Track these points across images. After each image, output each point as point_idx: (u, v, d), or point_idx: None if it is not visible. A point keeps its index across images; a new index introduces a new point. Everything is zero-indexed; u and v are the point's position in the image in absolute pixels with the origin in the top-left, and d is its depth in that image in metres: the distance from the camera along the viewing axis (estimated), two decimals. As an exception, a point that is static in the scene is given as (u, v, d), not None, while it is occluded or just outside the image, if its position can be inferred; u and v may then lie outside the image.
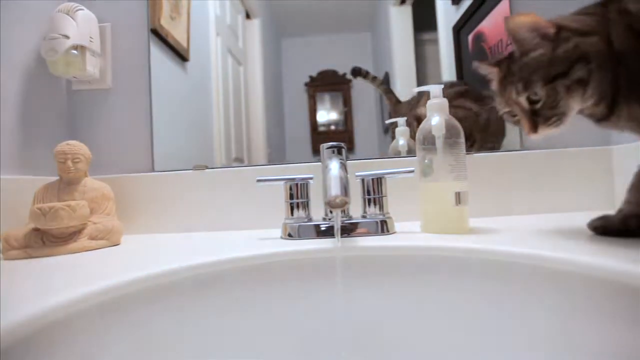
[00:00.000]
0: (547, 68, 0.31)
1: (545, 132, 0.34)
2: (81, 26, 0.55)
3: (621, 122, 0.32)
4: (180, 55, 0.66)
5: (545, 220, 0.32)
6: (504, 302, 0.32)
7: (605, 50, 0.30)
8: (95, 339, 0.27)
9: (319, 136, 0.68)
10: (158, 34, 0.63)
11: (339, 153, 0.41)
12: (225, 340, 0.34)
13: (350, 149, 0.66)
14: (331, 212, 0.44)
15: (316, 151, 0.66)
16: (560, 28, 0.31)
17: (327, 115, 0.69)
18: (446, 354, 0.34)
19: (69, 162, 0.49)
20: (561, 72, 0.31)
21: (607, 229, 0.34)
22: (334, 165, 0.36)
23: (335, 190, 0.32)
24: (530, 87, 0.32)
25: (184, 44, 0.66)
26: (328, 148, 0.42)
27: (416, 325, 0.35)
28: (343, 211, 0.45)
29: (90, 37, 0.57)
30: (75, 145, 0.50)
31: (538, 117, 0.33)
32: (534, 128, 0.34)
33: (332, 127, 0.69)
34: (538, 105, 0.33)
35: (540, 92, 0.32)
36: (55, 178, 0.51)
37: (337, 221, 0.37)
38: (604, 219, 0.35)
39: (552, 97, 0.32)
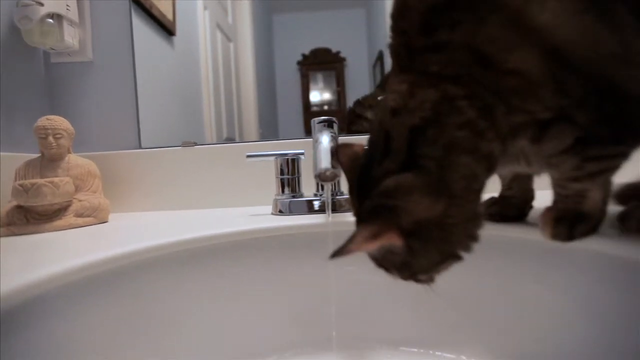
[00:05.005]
0: (416, 268, 0.24)
1: None
2: (57, -7, 0.52)
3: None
4: (166, 28, 0.63)
5: (542, 196, 0.32)
6: (495, 277, 0.33)
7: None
8: (82, 314, 0.26)
9: (311, 116, 0.66)
10: (141, 5, 0.60)
11: (330, 127, 0.41)
12: (216, 315, 0.34)
13: (343, 129, 0.65)
14: (322, 187, 0.43)
15: (309, 132, 0.65)
16: (403, 226, 0.21)
17: (320, 95, 0.67)
18: (438, 327, 0.35)
19: (50, 138, 0.47)
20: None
21: (504, 215, 0.32)
22: (325, 139, 0.35)
23: (325, 163, 0.32)
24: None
25: (170, 17, 0.63)
26: (319, 122, 0.41)
27: (406, 300, 0.36)
28: (334, 186, 0.44)
29: (67, 5, 0.54)
30: (56, 120, 0.48)
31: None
32: None
33: (325, 107, 0.68)
34: None
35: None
36: (37, 155, 0.49)
37: (328, 196, 0.37)
38: (497, 205, 0.33)
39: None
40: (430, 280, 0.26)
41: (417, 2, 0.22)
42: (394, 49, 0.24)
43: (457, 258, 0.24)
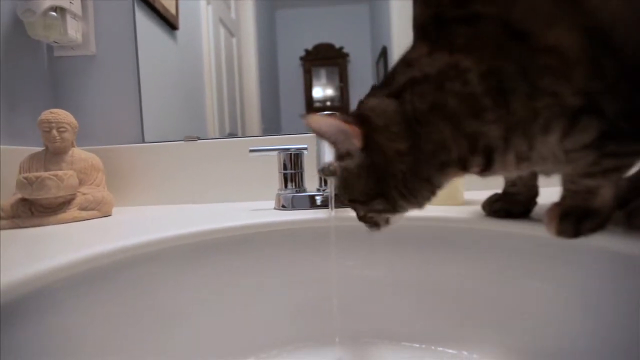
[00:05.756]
0: (356, 190, 0.26)
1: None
2: (60, -14, 0.52)
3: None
4: (169, 22, 0.62)
5: (544, 193, 0.32)
6: (498, 273, 0.33)
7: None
8: (85, 306, 0.27)
9: (314, 112, 0.66)
10: (144, -1, 0.60)
11: (334, 122, 0.40)
12: (218, 308, 0.35)
13: (346, 124, 0.65)
14: (325, 182, 0.43)
15: (311, 127, 0.64)
16: (367, 136, 0.24)
17: (322, 91, 0.67)
18: (440, 322, 0.35)
19: (54, 132, 0.47)
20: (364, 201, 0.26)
21: (508, 212, 0.32)
22: (329, 133, 0.35)
23: (329, 157, 0.31)
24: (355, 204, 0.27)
25: (173, 11, 0.63)
26: (323, 117, 0.41)
27: (409, 295, 0.36)
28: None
29: (71, -1, 0.54)
30: (60, 114, 0.48)
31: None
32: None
33: (328, 103, 0.67)
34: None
35: (361, 211, 0.27)
36: (41, 148, 0.49)
37: (331, 191, 0.37)
38: (501, 201, 0.33)
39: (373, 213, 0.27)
40: (372, 223, 0.27)
41: None
42: (420, 20, 0.24)
43: (389, 205, 0.25)
